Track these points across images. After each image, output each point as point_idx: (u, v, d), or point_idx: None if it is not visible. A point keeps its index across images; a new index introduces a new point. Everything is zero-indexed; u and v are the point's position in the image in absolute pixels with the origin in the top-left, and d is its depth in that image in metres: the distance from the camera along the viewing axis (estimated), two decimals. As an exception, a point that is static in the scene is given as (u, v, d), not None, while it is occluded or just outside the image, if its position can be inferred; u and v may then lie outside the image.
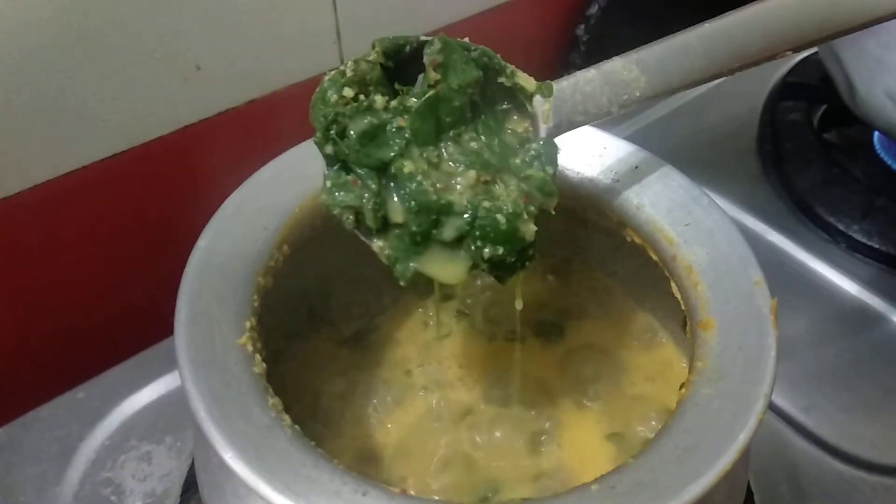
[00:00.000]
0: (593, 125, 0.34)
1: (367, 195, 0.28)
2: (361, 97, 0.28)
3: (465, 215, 0.28)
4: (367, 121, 0.28)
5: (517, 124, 0.30)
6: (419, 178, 0.28)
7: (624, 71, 0.29)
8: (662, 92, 0.30)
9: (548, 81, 0.30)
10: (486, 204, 0.28)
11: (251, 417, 0.24)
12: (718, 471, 0.23)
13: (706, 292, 0.29)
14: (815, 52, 0.64)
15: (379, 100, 0.28)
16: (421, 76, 0.29)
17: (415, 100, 0.28)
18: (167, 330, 0.50)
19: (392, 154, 0.28)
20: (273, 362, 0.28)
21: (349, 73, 0.28)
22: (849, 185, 0.58)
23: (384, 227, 0.28)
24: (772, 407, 0.47)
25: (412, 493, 0.24)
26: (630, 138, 0.35)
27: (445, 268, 0.29)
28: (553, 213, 0.30)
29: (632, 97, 0.29)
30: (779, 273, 0.54)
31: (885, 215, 0.55)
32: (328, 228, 0.33)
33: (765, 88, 0.66)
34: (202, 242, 0.29)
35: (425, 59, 0.28)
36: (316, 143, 0.28)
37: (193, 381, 0.24)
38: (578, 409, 0.38)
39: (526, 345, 0.40)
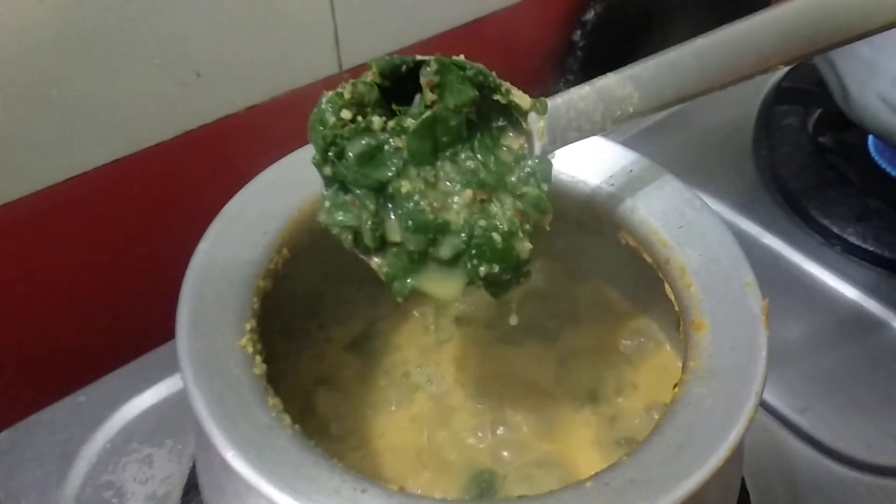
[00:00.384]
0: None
1: (365, 215, 0.28)
2: (359, 118, 0.28)
3: (462, 234, 0.28)
4: (364, 142, 0.28)
5: (512, 141, 0.31)
6: (416, 197, 0.28)
7: (618, 87, 0.30)
8: (656, 107, 0.30)
9: (542, 98, 0.31)
10: (483, 223, 0.29)
11: (252, 417, 0.25)
12: (711, 468, 0.23)
13: (699, 293, 0.29)
14: (810, 57, 0.65)
15: (376, 121, 0.29)
16: (418, 96, 0.29)
17: (412, 120, 0.29)
18: (167, 334, 0.50)
19: (389, 174, 0.29)
20: (273, 364, 0.28)
21: (347, 96, 0.28)
22: (843, 189, 0.58)
23: (382, 245, 0.29)
24: (767, 408, 0.48)
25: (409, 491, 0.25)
26: (626, 143, 0.36)
27: (442, 285, 0.29)
28: (548, 228, 0.30)
29: (625, 113, 0.30)
30: (774, 276, 0.55)
31: (880, 218, 0.56)
32: (328, 233, 0.34)
33: (760, 93, 0.67)
34: (203, 245, 0.29)
35: (422, 80, 0.29)
36: (314, 164, 0.29)
37: (195, 382, 0.25)
38: (575, 411, 0.38)
39: (523, 348, 0.41)
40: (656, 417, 0.35)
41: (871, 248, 0.55)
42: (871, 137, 0.63)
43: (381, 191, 0.29)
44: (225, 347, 0.27)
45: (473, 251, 0.28)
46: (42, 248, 0.49)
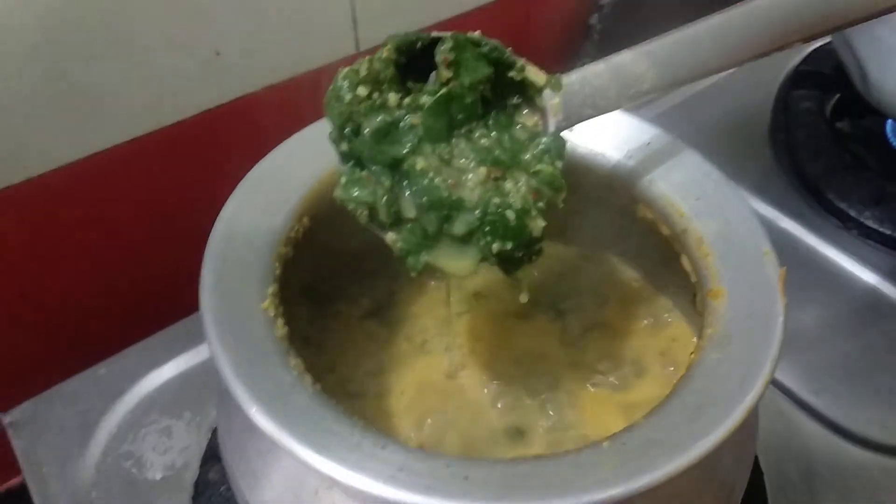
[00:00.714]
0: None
1: (380, 191, 0.29)
2: (375, 95, 0.29)
3: (476, 211, 0.29)
4: (380, 119, 0.28)
5: (527, 118, 0.31)
6: (431, 174, 0.29)
7: (633, 64, 0.29)
8: (671, 84, 0.30)
9: (557, 75, 0.31)
10: (496, 200, 0.29)
11: (274, 376, 0.25)
12: (727, 429, 0.24)
13: (716, 263, 0.29)
14: (829, 41, 0.65)
15: (392, 98, 0.29)
16: (433, 73, 0.29)
17: (427, 97, 0.29)
18: (186, 309, 0.51)
19: (405, 151, 0.29)
20: (292, 329, 0.29)
21: (363, 72, 0.28)
22: (861, 173, 0.58)
23: (397, 221, 0.29)
24: (781, 389, 0.48)
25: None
26: (642, 125, 0.36)
27: (455, 261, 0.29)
28: (561, 205, 0.31)
29: (640, 90, 0.30)
30: (791, 259, 0.54)
31: (897, 202, 0.56)
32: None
33: (778, 77, 0.67)
34: (226, 212, 0.30)
35: (438, 58, 0.29)
36: (331, 140, 0.29)
37: (219, 342, 0.25)
38: (587, 384, 0.38)
39: (537, 323, 0.41)
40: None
41: (888, 232, 0.55)
42: (889, 123, 0.62)
43: (396, 167, 0.29)
44: (248, 310, 0.27)
45: (487, 228, 0.29)
46: (62, 224, 0.49)
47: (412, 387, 0.36)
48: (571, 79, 0.30)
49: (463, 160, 0.29)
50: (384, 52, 0.29)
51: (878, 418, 0.47)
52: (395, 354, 0.37)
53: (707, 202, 0.32)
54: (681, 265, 0.32)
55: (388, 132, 0.29)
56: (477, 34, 0.30)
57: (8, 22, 0.40)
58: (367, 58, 0.29)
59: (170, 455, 0.45)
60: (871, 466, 0.45)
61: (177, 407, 0.47)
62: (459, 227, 0.29)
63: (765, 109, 0.65)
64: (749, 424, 0.33)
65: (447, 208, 0.29)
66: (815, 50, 0.67)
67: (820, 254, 0.55)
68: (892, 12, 0.29)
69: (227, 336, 0.26)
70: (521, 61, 0.30)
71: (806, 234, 0.56)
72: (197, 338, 0.50)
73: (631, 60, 0.30)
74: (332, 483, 0.27)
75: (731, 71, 0.68)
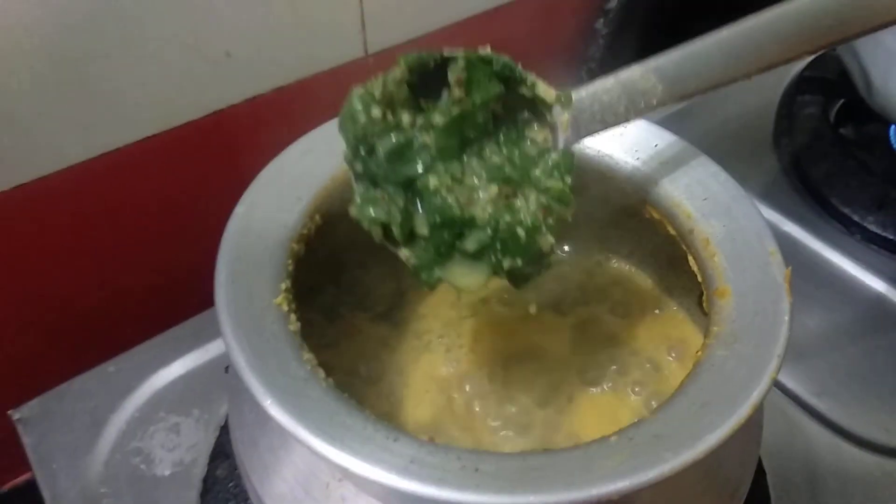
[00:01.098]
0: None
1: (394, 210, 0.29)
2: (389, 116, 0.29)
3: (487, 229, 0.29)
4: (394, 139, 0.29)
5: (537, 134, 0.31)
6: (444, 193, 0.29)
7: (642, 80, 0.30)
8: (679, 98, 0.30)
9: (567, 91, 0.31)
10: (507, 218, 0.29)
11: (288, 370, 0.25)
12: (733, 424, 0.24)
13: (723, 262, 0.30)
14: (833, 48, 0.65)
15: (405, 118, 0.29)
16: (445, 92, 0.30)
17: (440, 117, 0.29)
18: (195, 307, 0.52)
19: (419, 171, 0.29)
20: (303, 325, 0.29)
21: (377, 95, 0.28)
22: (864, 178, 0.58)
23: (410, 238, 0.30)
24: (784, 391, 0.48)
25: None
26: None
27: (466, 276, 0.30)
28: (570, 220, 0.31)
29: (649, 105, 0.30)
30: (794, 263, 0.54)
31: (901, 207, 0.56)
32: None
33: (782, 82, 0.67)
34: (240, 209, 0.30)
35: (450, 77, 0.29)
36: (345, 161, 0.29)
37: (234, 335, 0.26)
38: (592, 385, 0.39)
39: (543, 323, 0.41)
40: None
41: (892, 237, 0.55)
42: (892, 129, 0.63)
43: (409, 186, 0.29)
44: (261, 305, 0.27)
45: (498, 245, 0.29)
46: (73, 223, 0.50)
47: (419, 383, 0.36)
48: (581, 94, 0.31)
49: (474, 178, 0.30)
50: (397, 73, 0.29)
51: (881, 421, 0.47)
52: (404, 353, 0.38)
53: (714, 202, 0.32)
54: (687, 266, 0.33)
55: (401, 152, 0.29)
56: (487, 51, 0.30)
57: (22, 20, 0.40)
58: (381, 78, 0.29)
59: (178, 452, 0.45)
60: (874, 469, 0.45)
61: (185, 404, 0.47)
62: (471, 244, 0.29)
63: (769, 115, 0.65)
64: (754, 424, 0.33)
65: (459, 226, 0.29)
66: (819, 56, 0.67)
67: (823, 258, 0.56)
68: (893, 25, 0.29)
69: (242, 330, 0.26)
70: (531, 77, 0.31)
71: (809, 238, 0.57)
72: (205, 336, 0.50)
73: (640, 76, 0.30)
74: (344, 476, 0.27)
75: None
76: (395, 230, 0.29)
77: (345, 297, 0.40)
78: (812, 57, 0.67)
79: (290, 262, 0.29)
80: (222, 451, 0.44)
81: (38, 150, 0.46)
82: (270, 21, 0.50)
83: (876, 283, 0.54)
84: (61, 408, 0.47)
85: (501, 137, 0.30)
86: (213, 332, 0.50)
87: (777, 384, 0.49)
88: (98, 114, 0.46)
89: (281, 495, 0.28)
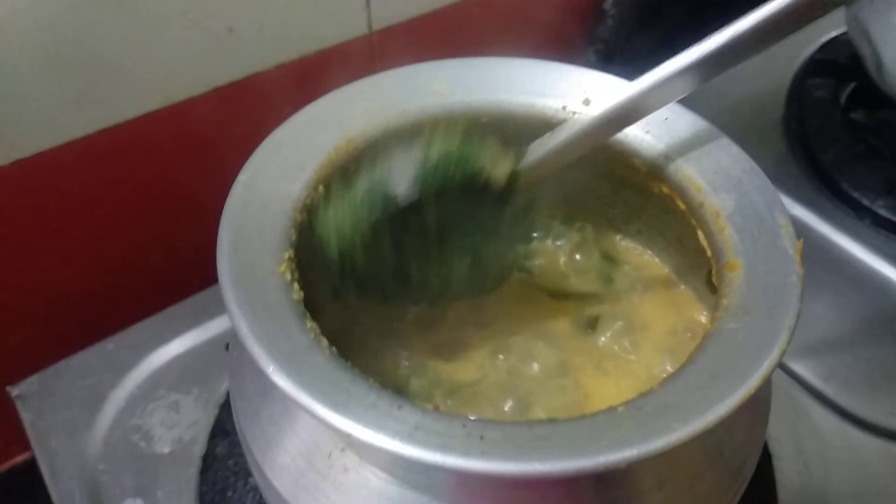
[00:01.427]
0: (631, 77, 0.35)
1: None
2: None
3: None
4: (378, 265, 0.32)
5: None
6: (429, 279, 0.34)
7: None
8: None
9: (515, 171, 0.33)
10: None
11: (291, 337, 0.25)
12: (743, 394, 0.23)
13: (733, 236, 0.29)
14: (844, 31, 0.64)
15: (388, 251, 0.32)
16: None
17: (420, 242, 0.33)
18: (195, 285, 0.51)
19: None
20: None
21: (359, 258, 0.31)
22: (874, 162, 0.58)
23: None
24: (790, 374, 0.48)
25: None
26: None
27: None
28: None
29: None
30: (803, 247, 0.55)
31: (910, 191, 0.56)
32: (361, 175, 0.34)
33: (792, 66, 0.66)
34: (243, 177, 0.30)
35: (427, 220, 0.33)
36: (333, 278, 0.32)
37: (236, 301, 0.25)
38: (600, 366, 0.38)
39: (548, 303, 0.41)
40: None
41: (902, 222, 0.54)
42: (902, 114, 0.62)
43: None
44: (264, 273, 0.27)
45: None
46: (73, 198, 0.49)
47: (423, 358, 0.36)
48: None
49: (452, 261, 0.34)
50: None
51: (888, 405, 0.47)
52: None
53: (725, 176, 0.31)
54: (696, 243, 0.32)
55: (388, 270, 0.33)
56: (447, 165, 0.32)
57: (26, -7, 0.40)
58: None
59: (178, 429, 0.45)
60: (880, 453, 0.45)
61: (185, 382, 0.47)
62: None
63: (779, 98, 0.65)
64: (761, 401, 0.33)
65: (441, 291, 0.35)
66: (830, 39, 0.67)
67: (832, 242, 0.55)
68: None
69: (244, 298, 0.26)
70: (486, 168, 0.32)
71: (818, 222, 0.56)
72: (205, 315, 0.50)
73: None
74: (347, 445, 0.27)
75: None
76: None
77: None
78: (822, 40, 0.67)
79: (293, 231, 0.29)
80: (222, 429, 0.44)
81: (37, 124, 0.45)
82: (273, -3, 0.50)
83: (885, 268, 0.53)
84: (60, 384, 0.47)
85: (469, 223, 0.34)
86: (214, 311, 0.50)
87: (784, 368, 0.48)
88: (98, 89, 0.46)
89: (283, 466, 0.28)
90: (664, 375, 0.31)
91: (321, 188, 0.31)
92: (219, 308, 0.50)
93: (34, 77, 0.43)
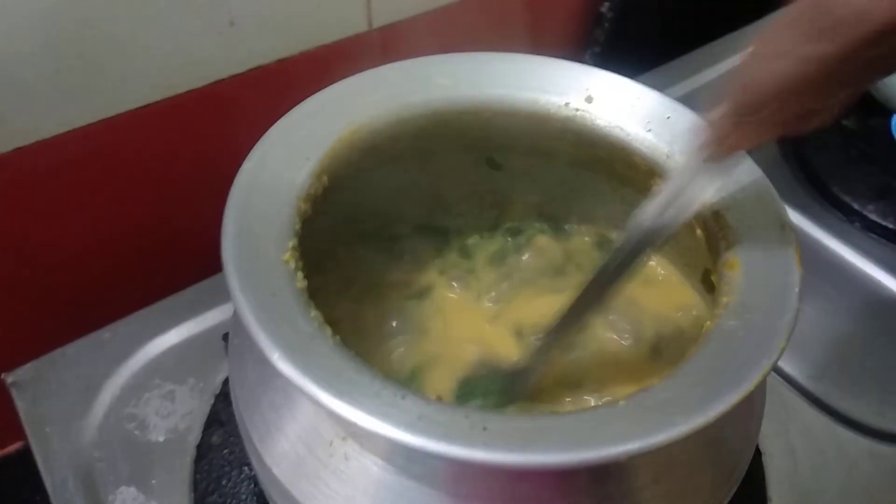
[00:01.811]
0: (630, 77, 0.35)
1: None
2: None
3: None
4: None
5: None
6: None
7: None
8: None
9: None
10: None
11: (295, 325, 0.25)
12: (743, 391, 0.24)
13: (732, 235, 0.30)
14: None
15: None
16: None
17: None
18: (192, 276, 0.51)
19: None
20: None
21: None
22: (865, 167, 0.58)
23: None
24: (782, 375, 0.49)
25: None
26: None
27: None
28: None
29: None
30: None
31: (901, 197, 0.56)
32: (365, 167, 0.35)
33: (786, 71, 0.67)
34: (248, 165, 0.30)
35: None
36: None
37: (241, 288, 0.25)
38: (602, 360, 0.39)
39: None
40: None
41: (891, 226, 0.55)
42: (894, 120, 0.63)
43: None
44: (268, 261, 0.27)
45: None
46: (71, 189, 0.49)
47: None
48: None
49: None
50: None
51: (876, 406, 0.47)
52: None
53: (724, 176, 0.32)
54: (695, 240, 0.33)
55: None
56: None
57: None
58: None
59: (173, 419, 0.45)
60: (868, 452, 0.45)
61: (180, 372, 0.47)
62: None
63: (772, 103, 0.65)
64: (756, 399, 0.33)
65: None
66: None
67: (823, 246, 0.56)
68: None
69: (249, 285, 0.26)
70: None
71: (810, 226, 0.57)
72: (202, 305, 0.50)
73: None
74: (349, 433, 0.27)
75: (738, 64, 0.68)
76: None
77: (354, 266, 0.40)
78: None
79: (297, 220, 0.29)
80: (217, 419, 0.44)
81: (38, 113, 0.45)
82: (275, -10, 0.50)
83: (874, 271, 0.54)
84: (56, 372, 0.47)
85: None
86: (210, 302, 0.50)
87: (775, 368, 0.49)
88: (99, 79, 0.46)
89: (283, 453, 0.28)
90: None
91: (325, 178, 0.32)
92: (215, 299, 0.50)
93: (35, 65, 0.43)
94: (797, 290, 0.27)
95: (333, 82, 0.36)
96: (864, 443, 0.46)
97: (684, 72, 0.67)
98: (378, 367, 0.24)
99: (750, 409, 0.32)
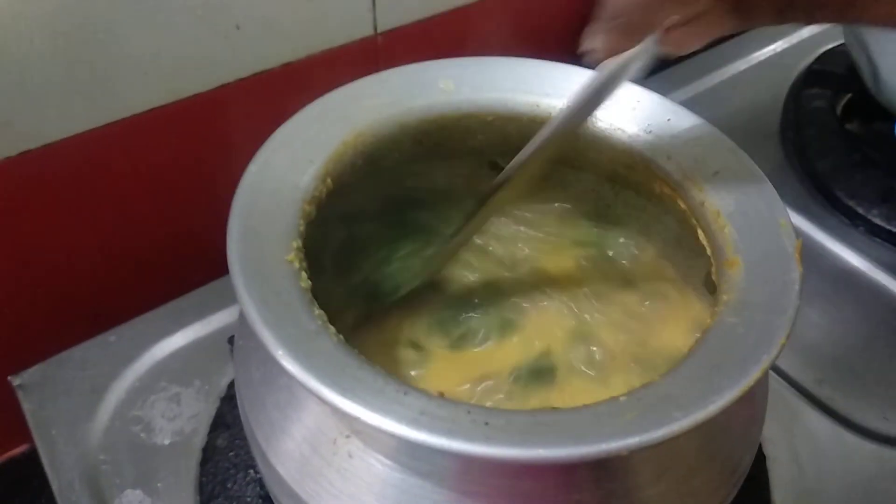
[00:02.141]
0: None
1: None
2: None
3: None
4: None
5: None
6: None
7: None
8: None
9: None
10: None
11: (300, 323, 0.25)
12: (743, 386, 0.24)
13: (733, 234, 0.30)
14: (842, 42, 0.65)
15: None
16: None
17: None
18: (198, 279, 0.52)
19: None
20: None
21: None
22: (869, 171, 0.58)
23: None
24: (786, 378, 0.49)
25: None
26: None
27: None
28: None
29: None
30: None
31: (905, 200, 0.56)
32: (369, 171, 0.35)
33: (790, 76, 0.67)
34: (253, 167, 0.30)
35: None
36: None
37: (246, 288, 0.26)
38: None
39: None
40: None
41: (895, 230, 0.55)
42: (897, 124, 0.63)
43: None
44: (273, 261, 0.27)
45: None
46: (78, 192, 0.50)
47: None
48: None
49: None
50: None
51: (880, 410, 0.47)
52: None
53: (725, 176, 0.32)
54: (696, 240, 0.33)
55: None
56: None
57: (37, -16, 0.40)
58: None
59: (178, 421, 0.45)
60: (872, 456, 0.45)
61: (186, 375, 0.47)
62: None
63: (776, 107, 0.66)
64: (758, 399, 0.33)
65: None
66: (827, 50, 0.68)
67: (827, 249, 0.56)
68: None
69: (254, 285, 0.26)
70: None
71: (814, 230, 0.57)
72: (208, 308, 0.50)
73: None
74: (352, 431, 0.27)
75: (743, 68, 0.69)
76: None
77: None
78: (820, 51, 0.68)
79: (301, 222, 0.29)
80: (223, 422, 0.44)
81: (44, 117, 0.45)
82: (281, -5, 0.50)
83: (878, 275, 0.54)
84: (62, 375, 0.47)
85: None
86: (217, 304, 0.50)
87: (779, 371, 0.49)
88: (106, 82, 0.46)
89: (287, 452, 0.28)
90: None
91: (329, 181, 0.32)
92: (221, 302, 0.50)
93: (42, 69, 0.43)
94: (797, 287, 0.27)
95: (338, 86, 0.36)
96: (868, 447, 0.45)
97: (686, 77, 0.68)
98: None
99: (751, 408, 0.32)
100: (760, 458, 0.44)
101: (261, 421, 0.30)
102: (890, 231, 0.55)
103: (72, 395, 0.46)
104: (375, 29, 0.56)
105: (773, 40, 0.72)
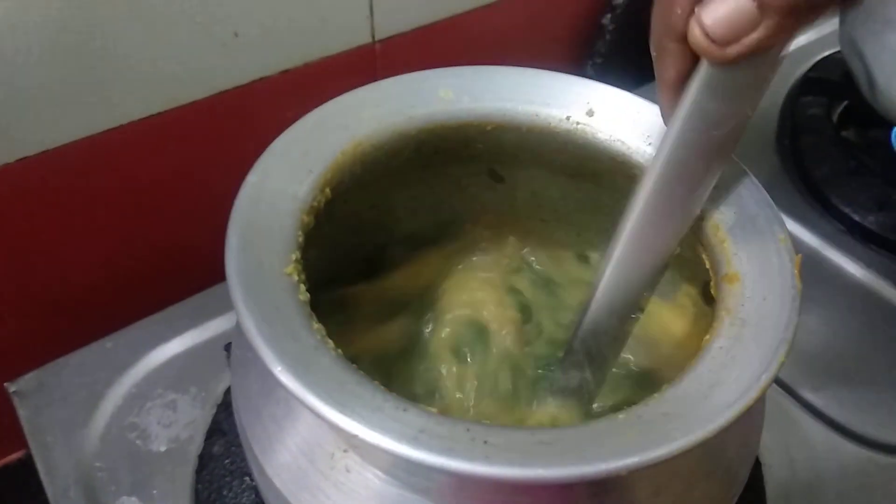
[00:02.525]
0: (629, 91, 0.36)
1: None
2: None
3: None
4: None
5: None
6: None
7: None
8: None
9: None
10: None
11: (298, 338, 0.25)
12: (743, 405, 0.24)
13: (732, 248, 0.30)
14: (838, 50, 0.65)
15: None
16: None
17: None
18: (195, 286, 0.52)
19: None
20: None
21: None
22: (865, 178, 0.59)
23: None
24: (782, 385, 0.49)
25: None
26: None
27: None
28: None
29: None
30: None
31: (901, 208, 0.57)
32: (367, 181, 0.35)
33: (786, 83, 0.67)
34: (252, 178, 0.30)
35: None
36: None
37: (244, 301, 0.26)
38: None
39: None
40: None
41: (891, 237, 0.55)
42: (894, 132, 0.63)
43: None
44: (271, 274, 0.27)
45: None
46: (74, 199, 0.50)
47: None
48: None
49: None
50: None
51: (877, 418, 0.47)
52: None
53: (725, 190, 0.32)
54: (695, 253, 0.33)
55: None
56: None
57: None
58: None
59: (174, 428, 0.45)
60: (868, 464, 0.45)
61: (182, 382, 0.47)
62: None
63: (772, 115, 0.66)
64: (756, 411, 0.34)
65: None
66: (823, 58, 0.68)
67: (823, 257, 0.56)
68: None
69: (252, 297, 0.26)
70: None
71: (810, 237, 0.57)
72: (204, 315, 0.50)
73: None
74: (350, 446, 0.27)
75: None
76: None
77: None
78: (816, 58, 0.68)
79: (300, 233, 0.29)
80: (219, 429, 0.44)
81: (42, 123, 0.45)
82: (279, 3, 0.50)
83: (874, 282, 0.54)
84: (58, 382, 0.47)
85: None
86: (213, 311, 0.50)
87: (775, 379, 0.49)
88: (103, 89, 0.46)
89: (284, 465, 0.28)
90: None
91: (328, 191, 0.32)
92: (217, 309, 0.50)
93: (40, 76, 0.43)
94: (796, 304, 0.27)
95: (336, 94, 0.36)
96: (863, 454, 0.46)
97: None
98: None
99: (750, 422, 0.32)
100: (756, 466, 0.44)
101: (257, 432, 0.30)
102: (885, 238, 0.56)
103: (68, 401, 0.46)
104: (373, 36, 0.56)
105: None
